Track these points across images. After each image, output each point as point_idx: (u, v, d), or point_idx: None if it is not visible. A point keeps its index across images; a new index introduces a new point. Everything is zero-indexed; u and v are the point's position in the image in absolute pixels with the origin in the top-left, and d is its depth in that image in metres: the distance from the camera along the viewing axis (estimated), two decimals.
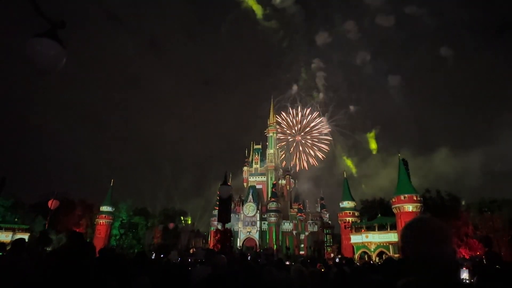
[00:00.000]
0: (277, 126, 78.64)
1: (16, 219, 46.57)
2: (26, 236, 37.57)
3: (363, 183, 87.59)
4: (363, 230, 43.12)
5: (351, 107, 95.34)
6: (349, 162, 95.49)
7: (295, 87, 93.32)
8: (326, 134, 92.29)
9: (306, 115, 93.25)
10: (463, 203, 44.84)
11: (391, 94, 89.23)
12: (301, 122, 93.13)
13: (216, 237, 44.03)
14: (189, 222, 67.55)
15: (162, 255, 31.32)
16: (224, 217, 15.76)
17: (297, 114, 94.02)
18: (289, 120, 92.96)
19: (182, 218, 67.05)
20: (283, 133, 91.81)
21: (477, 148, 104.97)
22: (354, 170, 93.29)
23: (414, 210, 37.39)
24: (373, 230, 42.08)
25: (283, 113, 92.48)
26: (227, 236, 35.28)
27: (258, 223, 57.44)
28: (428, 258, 1.42)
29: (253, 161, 69.95)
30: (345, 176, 54.30)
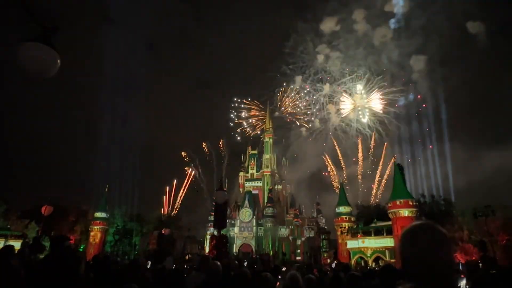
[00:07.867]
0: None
1: (8, 226, 45.88)
2: (19, 243, 36.95)
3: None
4: (359, 235, 43.11)
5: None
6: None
7: (298, 79, 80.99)
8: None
9: None
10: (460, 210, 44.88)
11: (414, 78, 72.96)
12: None
13: (212, 243, 43.70)
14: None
15: (157, 262, 30.92)
16: (220, 223, 15.72)
17: None
18: None
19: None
20: None
21: None
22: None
23: (410, 215, 37.52)
24: (370, 235, 42.09)
25: None
26: (223, 242, 35.04)
27: (254, 228, 57.20)
28: (425, 264, 1.39)
29: (249, 167, 69.97)
30: (341, 181, 54.40)
